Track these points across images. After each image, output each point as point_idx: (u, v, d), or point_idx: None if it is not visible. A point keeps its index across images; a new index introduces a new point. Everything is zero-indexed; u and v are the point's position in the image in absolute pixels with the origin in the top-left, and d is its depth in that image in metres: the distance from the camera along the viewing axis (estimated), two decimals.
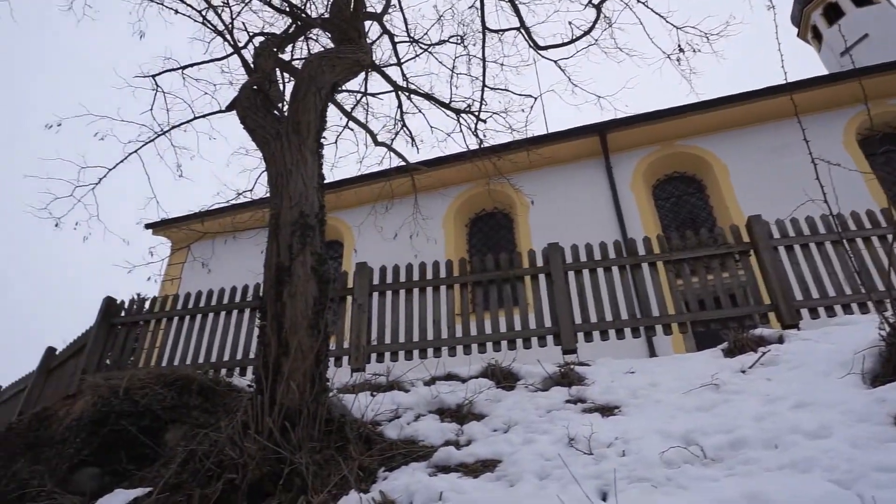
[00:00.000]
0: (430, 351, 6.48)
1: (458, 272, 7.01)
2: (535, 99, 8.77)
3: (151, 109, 8.83)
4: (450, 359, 6.44)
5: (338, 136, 10.12)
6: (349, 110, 9.46)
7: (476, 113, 9.15)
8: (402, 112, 9.62)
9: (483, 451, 4.44)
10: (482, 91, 8.84)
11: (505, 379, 5.79)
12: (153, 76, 8.62)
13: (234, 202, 9.43)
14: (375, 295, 6.93)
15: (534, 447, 4.33)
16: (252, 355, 6.85)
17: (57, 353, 9.29)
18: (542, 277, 6.75)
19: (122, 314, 7.75)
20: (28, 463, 6.55)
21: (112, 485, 5.53)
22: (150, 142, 7.14)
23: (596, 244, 7.81)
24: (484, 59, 8.81)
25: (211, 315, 7.29)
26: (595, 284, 6.59)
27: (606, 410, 4.77)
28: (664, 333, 6.19)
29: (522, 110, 8.68)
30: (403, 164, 9.70)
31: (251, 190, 9.16)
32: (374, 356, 6.56)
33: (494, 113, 9.08)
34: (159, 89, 8.66)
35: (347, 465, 4.43)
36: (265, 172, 9.25)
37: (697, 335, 9.37)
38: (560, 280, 6.56)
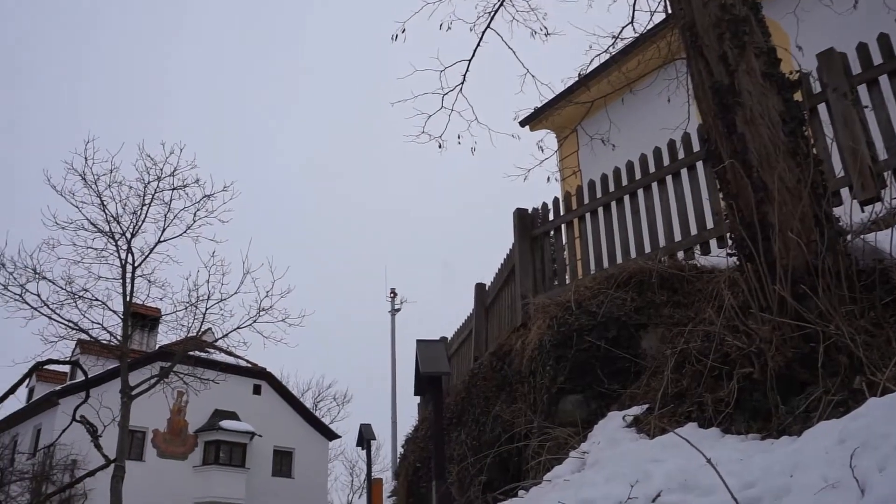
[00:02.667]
0: None
1: None
2: None
3: None
4: None
5: None
6: None
7: None
8: None
9: None
10: None
11: None
12: None
13: (613, 51, 9.37)
14: (861, 89, 6.04)
15: None
16: (711, 224, 6.75)
17: (486, 287, 10.76)
18: None
19: (538, 224, 8.47)
20: (505, 403, 7.78)
21: (600, 409, 6.14)
22: (497, 9, 7.49)
23: None
24: None
25: (640, 193, 7.43)
26: None
27: None
28: None
29: None
30: None
31: (631, 23, 8.96)
32: (888, 176, 5.75)
33: None
34: None
35: None
36: None
37: None
38: None
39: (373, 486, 5.75)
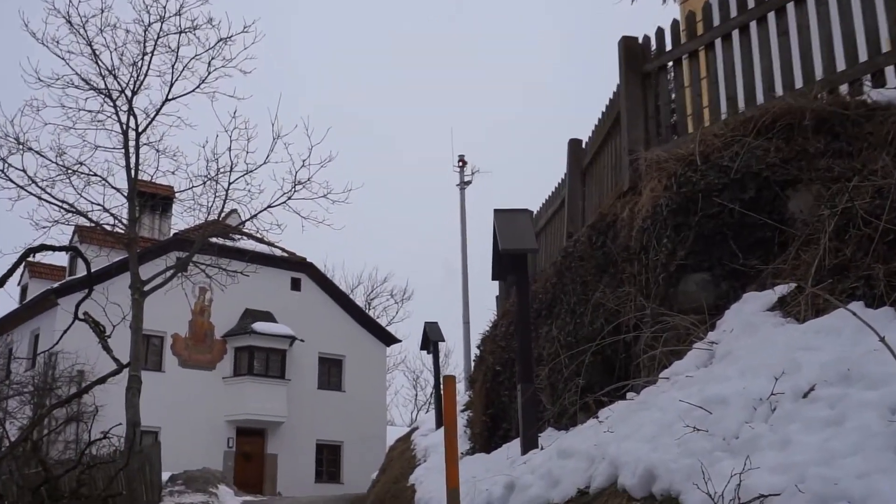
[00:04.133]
0: None
1: None
2: None
3: None
4: None
5: None
6: None
7: None
8: None
9: None
10: None
11: None
12: None
13: None
14: None
15: None
16: (887, 47, 6.43)
17: (583, 144, 10.64)
18: None
19: (652, 57, 8.22)
20: (608, 288, 7.80)
21: (733, 290, 6.14)
22: None
23: None
24: None
25: (791, 8, 7.10)
26: None
27: None
28: None
29: None
30: None
31: None
32: None
33: None
34: None
35: None
36: None
37: None
38: None
39: (444, 384, 5.82)
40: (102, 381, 7.59)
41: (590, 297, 8.06)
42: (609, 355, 7.36)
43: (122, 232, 20.38)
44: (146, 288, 19.36)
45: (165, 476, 21.22)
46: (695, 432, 4.15)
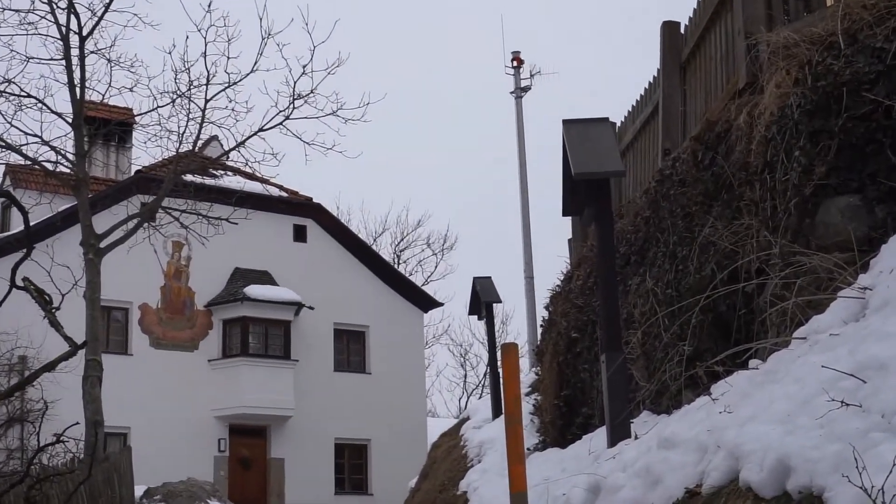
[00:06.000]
0: None
1: None
2: None
3: None
4: None
5: None
6: None
7: None
8: None
9: None
10: None
11: None
12: None
13: None
14: None
15: None
16: None
17: (682, 28, 10.52)
18: None
19: None
20: (721, 221, 7.76)
21: (892, 217, 6.07)
22: None
23: None
24: None
25: None
26: None
27: None
28: None
29: None
30: None
31: None
32: None
33: None
34: None
35: None
36: None
37: None
38: None
39: (504, 356, 5.81)
40: (51, 367, 7.69)
41: (696, 234, 8.03)
42: (723, 311, 7.33)
43: (69, 171, 20.44)
44: (103, 244, 19.44)
45: (139, 490, 21.52)
46: (844, 409, 4.13)
